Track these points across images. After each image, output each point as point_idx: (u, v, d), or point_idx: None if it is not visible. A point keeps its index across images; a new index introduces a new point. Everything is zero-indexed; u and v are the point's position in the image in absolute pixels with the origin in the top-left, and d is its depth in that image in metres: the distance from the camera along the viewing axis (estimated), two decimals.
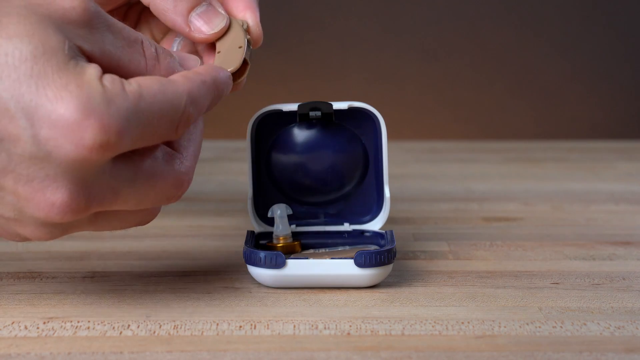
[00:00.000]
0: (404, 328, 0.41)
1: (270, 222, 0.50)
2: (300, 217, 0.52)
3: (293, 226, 0.51)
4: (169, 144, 0.42)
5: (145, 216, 0.42)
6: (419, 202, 0.69)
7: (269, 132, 0.51)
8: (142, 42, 0.41)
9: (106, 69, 0.39)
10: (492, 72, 1.29)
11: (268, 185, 0.51)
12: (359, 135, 0.51)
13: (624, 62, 1.29)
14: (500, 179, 0.79)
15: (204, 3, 0.46)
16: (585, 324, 0.42)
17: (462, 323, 0.42)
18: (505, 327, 0.41)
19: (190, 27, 0.45)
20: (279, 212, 0.49)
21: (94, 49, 0.39)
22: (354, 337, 0.40)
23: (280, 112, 0.50)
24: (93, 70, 0.37)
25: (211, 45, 0.47)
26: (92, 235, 0.55)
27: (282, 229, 0.49)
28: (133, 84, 0.38)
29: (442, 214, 0.65)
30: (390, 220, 0.52)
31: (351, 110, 0.50)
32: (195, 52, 0.49)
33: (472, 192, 0.73)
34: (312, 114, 0.50)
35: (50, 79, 0.36)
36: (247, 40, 0.46)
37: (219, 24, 0.46)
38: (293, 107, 0.50)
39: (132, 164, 0.39)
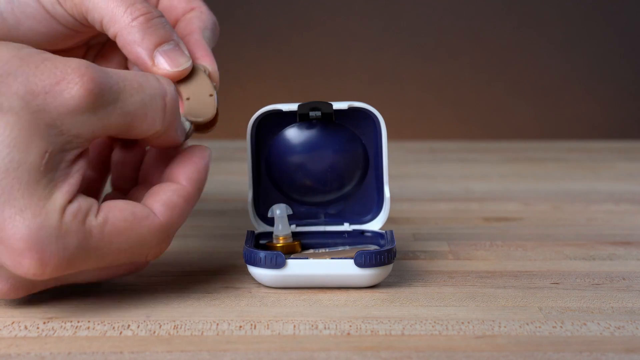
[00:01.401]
0: (404, 328, 0.41)
1: (270, 222, 0.50)
2: (300, 217, 0.52)
3: (293, 226, 0.51)
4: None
5: (120, 271, 0.44)
6: (419, 202, 0.69)
7: (269, 132, 0.51)
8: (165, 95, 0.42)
9: (117, 135, 0.41)
10: (492, 72, 1.29)
11: (268, 185, 0.51)
12: (359, 135, 0.51)
13: (624, 62, 1.29)
14: (500, 179, 0.79)
15: (171, 41, 0.46)
16: (585, 324, 0.42)
17: (462, 323, 0.42)
18: (505, 327, 0.41)
19: (153, 62, 0.46)
20: (278, 212, 0.49)
21: (95, 130, 0.40)
22: (354, 337, 0.40)
23: (280, 112, 0.50)
24: (61, 195, 0.39)
25: None
26: None
27: (282, 229, 0.49)
28: (99, 217, 0.40)
29: (442, 214, 0.65)
30: (390, 220, 0.52)
31: (351, 110, 0.50)
32: None
33: (472, 192, 0.73)
34: (312, 114, 0.50)
35: (12, 197, 0.38)
36: (214, 87, 0.46)
37: (183, 64, 0.46)
38: (293, 107, 0.50)
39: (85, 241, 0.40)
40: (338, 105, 0.50)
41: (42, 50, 0.40)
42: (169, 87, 0.43)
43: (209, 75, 0.47)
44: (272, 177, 0.51)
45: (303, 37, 1.29)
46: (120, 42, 0.46)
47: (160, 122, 0.42)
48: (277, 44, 1.28)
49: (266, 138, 0.51)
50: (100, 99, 0.39)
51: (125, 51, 0.46)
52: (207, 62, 0.47)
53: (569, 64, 1.28)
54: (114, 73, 0.41)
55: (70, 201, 0.39)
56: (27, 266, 0.38)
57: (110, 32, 0.46)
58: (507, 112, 1.30)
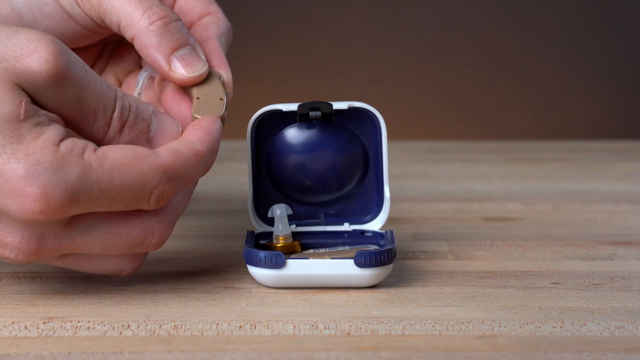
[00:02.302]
0: (404, 328, 0.41)
1: (270, 222, 0.50)
2: (300, 217, 0.52)
3: (293, 226, 0.51)
4: None
5: (121, 264, 0.43)
6: (419, 202, 0.69)
7: (269, 132, 0.51)
8: (113, 110, 0.41)
9: (71, 125, 0.41)
10: (492, 72, 1.29)
11: (268, 185, 0.51)
12: (359, 135, 0.51)
13: (624, 62, 1.29)
14: (500, 179, 0.79)
15: (188, 46, 0.46)
16: (585, 324, 0.42)
17: (462, 323, 0.42)
18: (505, 327, 0.41)
19: (170, 66, 0.46)
20: (278, 212, 0.49)
21: (52, 106, 0.40)
22: (354, 337, 0.40)
23: (280, 112, 0.50)
24: (50, 133, 0.38)
25: (181, 90, 0.48)
26: None
27: (282, 229, 0.49)
28: (98, 152, 0.39)
29: (442, 214, 0.65)
30: (390, 220, 0.52)
31: (351, 110, 0.50)
32: (160, 92, 0.49)
33: (472, 192, 0.73)
34: (312, 114, 0.50)
35: (0, 147, 0.38)
36: (226, 94, 0.47)
37: (199, 69, 0.46)
38: (293, 107, 0.50)
39: (91, 214, 0.40)
40: (338, 105, 0.50)
41: (16, 25, 0.40)
42: (124, 103, 0.42)
43: (223, 83, 0.47)
44: (272, 177, 0.51)
45: (303, 37, 1.29)
46: (137, 46, 0.46)
47: (114, 131, 0.42)
48: (277, 44, 1.28)
49: (266, 138, 0.51)
50: (62, 82, 0.39)
51: (142, 54, 0.46)
52: (223, 70, 0.48)
53: (569, 64, 1.28)
54: (82, 68, 0.40)
55: (62, 139, 0.39)
56: (31, 203, 0.37)
57: (128, 35, 0.46)
58: (507, 112, 1.30)
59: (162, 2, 0.47)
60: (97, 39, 0.50)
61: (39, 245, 0.40)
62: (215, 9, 0.50)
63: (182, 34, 0.46)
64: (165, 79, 0.48)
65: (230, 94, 0.48)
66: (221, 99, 0.46)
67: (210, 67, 0.47)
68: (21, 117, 0.38)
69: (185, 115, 0.47)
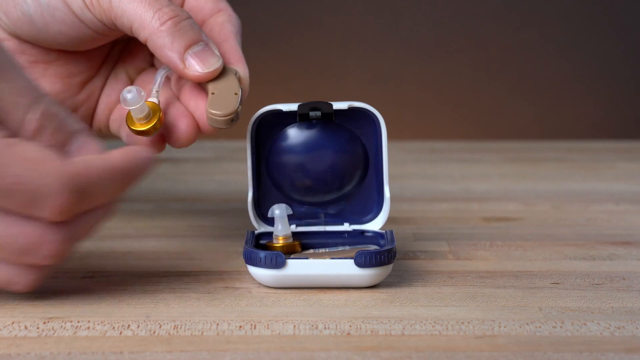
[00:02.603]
0: (404, 328, 0.41)
1: (270, 222, 0.50)
2: (300, 217, 0.52)
3: (293, 226, 0.51)
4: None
5: (14, 275, 0.40)
6: (419, 202, 0.69)
7: (269, 132, 0.51)
8: (27, 110, 0.39)
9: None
10: (492, 72, 1.29)
11: (268, 185, 0.51)
12: (359, 135, 0.51)
13: (624, 62, 1.29)
14: (500, 179, 0.79)
15: (201, 42, 0.46)
16: (585, 324, 0.42)
17: (462, 323, 0.42)
18: (505, 327, 0.41)
19: (185, 65, 0.46)
20: (278, 212, 0.49)
21: None
22: (354, 337, 0.40)
23: (280, 112, 0.50)
24: None
25: (199, 87, 0.48)
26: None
27: (282, 229, 0.49)
28: (9, 139, 0.38)
29: (442, 214, 0.65)
30: (390, 220, 0.52)
31: (351, 110, 0.50)
32: (178, 91, 0.49)
33: (472, 192, 0.73)
34: (312, 114, 0.50)
35: None
36: (241, 90, 0.47)
37: (214, 65, 0.46)
38: (293, 107, 0.50)
39: None
40: (338, 105, 0.50)
41: None
42: (47, 109, 0.40)
43: (239, 79, 0.47)
44: (272, 177, 0.51)
45: (303, 37, 1.29)
46: (151, 47, 0.46)
47: (29, 132, 0.40)
48: (277, 44, 1.28)
49: (266, 138, 0.51)
50: None
51: (157, 55, 0.46)
52: (241, 68, 0.48)
53: (569, 64, 1.28)
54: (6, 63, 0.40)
55: None
56: None
57: (141, 37, 0.46)
58: (507, 112, 1.30)
59: (171, 2, 0.47)
60: (108, 41, 0.50)
61: None
62: (225, 6, 0.50)
63: (193, 31, 0.46)
64: (182, 78, 0.48)
65: (246, 90, 0.48)
66: (236, 94, 0.46)
67: (228, 65, 0.47)
68: None
69: (202, 112, 0.47)
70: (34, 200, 0.38)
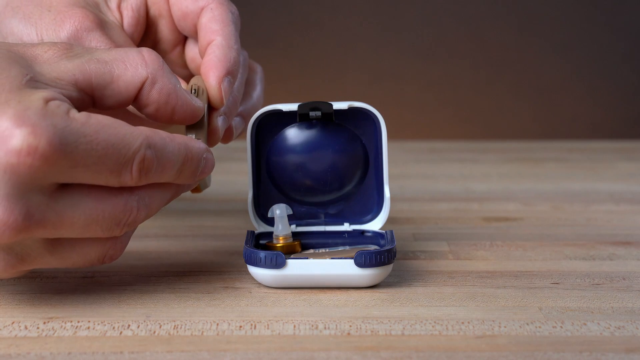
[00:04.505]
0: (404, 328, 0.41)
1: (270, 222, 0.50)
2: (300, 217, 0.52)
3: (293, 226, 0.51)
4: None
5: (105, 248, 0.42)
6: (419, 202, 0.69)
7: (269, 132, 0.51)
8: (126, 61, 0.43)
9: (104, 85, 0.42)
10: (492, 72, 1.29)
11: (268, 185, 0.51)
12: (359, 135, 0.51)
13: (624, 62, 1.29)
14: (500, 179, 0.79)
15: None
16: (585, 324, 0.42)
17: (462, 323, 0.42)
18: (505, 327, 0.41)
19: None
20: (278, 212, 0.49)
21: (76, 74, 0.41)
22: (354, 337, 0.40)
23: (280, 112, 0.50)
24: (42, 93, 0.39)
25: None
26: None
27: (282, 229, 0.49)
28: (83, 113, 0.39)
29: (442, 214, 0.65)
30: (390, 220, 0.52)
31: (351, 110, 0.50)
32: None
33: (472, 192, 0.73)
34: (312, 114, 0.50)
35: None
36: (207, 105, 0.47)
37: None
38: (293, 107, 0.50)
39: (76, 187, 0.40)
40: (338, 105, 0.50)
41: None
42: (146, 51, 0.44)
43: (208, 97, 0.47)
44: (272, 177, 0.51)
45: (303, 37, 1.29)
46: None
47: (144, 68, 0.43)
48: (277, 44, 1.28)
49: (266, 138, 0.51)
50: (70, 51, 0.42)
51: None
52: (211, 75, 0.48)
53: (569, 64, 1.28)
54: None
55: (53, 99, 0.39)
56: (19, 142, 0.37)
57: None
58: (507, 112, 1.30)
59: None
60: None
61: (25, 217, 0.38)
62: (206, 2, 0.51)
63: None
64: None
65: (216, 101, 0.48)
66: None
67: (204, 76, 0.48)
68: (23, 83, 0.39)
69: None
70: (122, 162, 0.40)
